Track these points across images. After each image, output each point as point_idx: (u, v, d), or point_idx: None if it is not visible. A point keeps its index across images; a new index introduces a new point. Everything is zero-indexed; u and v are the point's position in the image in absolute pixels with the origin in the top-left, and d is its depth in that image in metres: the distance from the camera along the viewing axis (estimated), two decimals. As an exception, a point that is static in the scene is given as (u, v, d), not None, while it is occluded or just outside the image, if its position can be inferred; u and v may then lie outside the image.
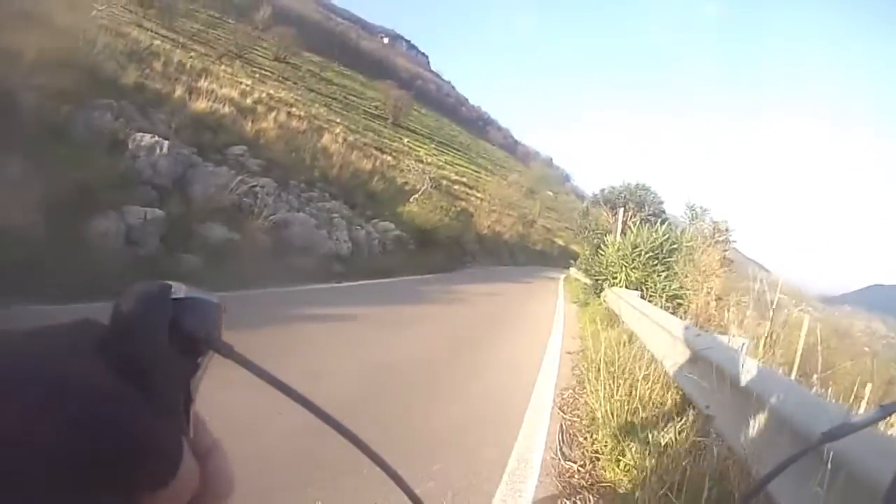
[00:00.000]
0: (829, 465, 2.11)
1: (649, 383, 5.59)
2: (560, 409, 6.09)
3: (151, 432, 0.50)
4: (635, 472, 3.74)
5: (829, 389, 4.23)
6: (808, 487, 2.20)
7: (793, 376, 4.11)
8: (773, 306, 5.44)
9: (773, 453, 2.89)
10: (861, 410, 3.94)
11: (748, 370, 3.61)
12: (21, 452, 0.42)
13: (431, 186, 37.07)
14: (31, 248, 7.25)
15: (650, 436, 3.21)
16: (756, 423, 3.28)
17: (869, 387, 4.39)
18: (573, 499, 3.85)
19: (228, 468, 0.67)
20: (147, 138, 12.63)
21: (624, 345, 7.83)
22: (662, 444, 3.61)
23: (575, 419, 5.72)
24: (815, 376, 4.31)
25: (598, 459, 4.52)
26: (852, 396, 4.32)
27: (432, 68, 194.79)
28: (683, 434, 3.98)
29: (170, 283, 0.57)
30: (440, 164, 64.71)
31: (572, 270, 35.88)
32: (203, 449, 0.62)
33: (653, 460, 3.40)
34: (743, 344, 5.06)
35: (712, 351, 4.63)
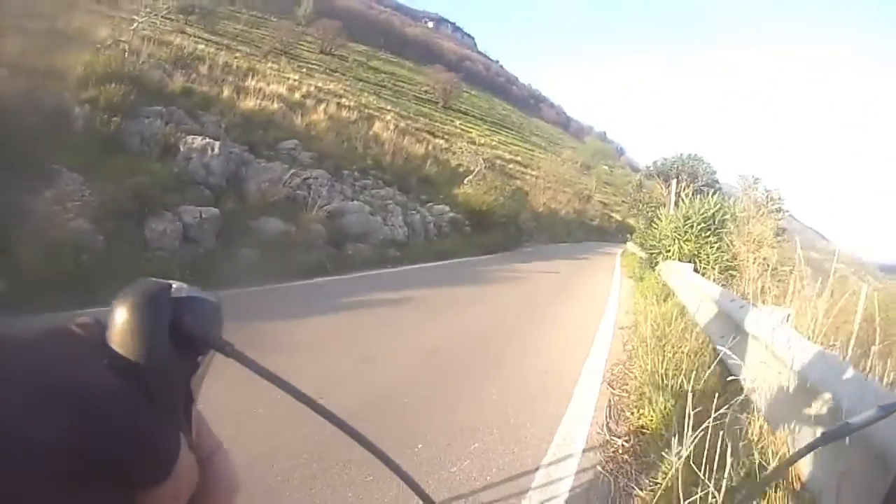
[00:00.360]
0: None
1: (696, 356, 5.58)
2: (609, 384, 6.11)
3: (148, 430, 0.56)
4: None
5: (889, 361, 4.15)
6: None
7: (850, 348, 4.04)
8: (832, 276, 5.35)
9: (804, 428, 2.90)
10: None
11: (788, 343, 3.60)
12: (21, 449, 0.46)
13: (485, 167, 36.84)
14: (93, 256, 7.54)
15: (689, 411, 3.22)
16: (792, 398, 3.29)
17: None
18: (616, 474, 3.90)
19: (232, 469, 0.74)
20: (198, 140, 12.93)
21: (676, 319, 7.79)
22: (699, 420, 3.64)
23: (623, 394, 5.73)
24: (872, 348, 4.22)
25: (644, 434, 4.55)
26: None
27: (479, 49, 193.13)
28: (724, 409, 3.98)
29: (170, 282, 0.63)
30: (493, 144, 64.20)
31: (629, 245, 35.40)
32: (206, 450, 0.69)
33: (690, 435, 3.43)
34: (788, 315, 5.00)
35: (754, 323, 4.63)
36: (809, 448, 0.90)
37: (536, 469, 3.96)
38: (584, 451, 4.38)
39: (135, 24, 19.73)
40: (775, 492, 2.93)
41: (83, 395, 0.50)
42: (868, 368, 3.90)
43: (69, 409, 0.48)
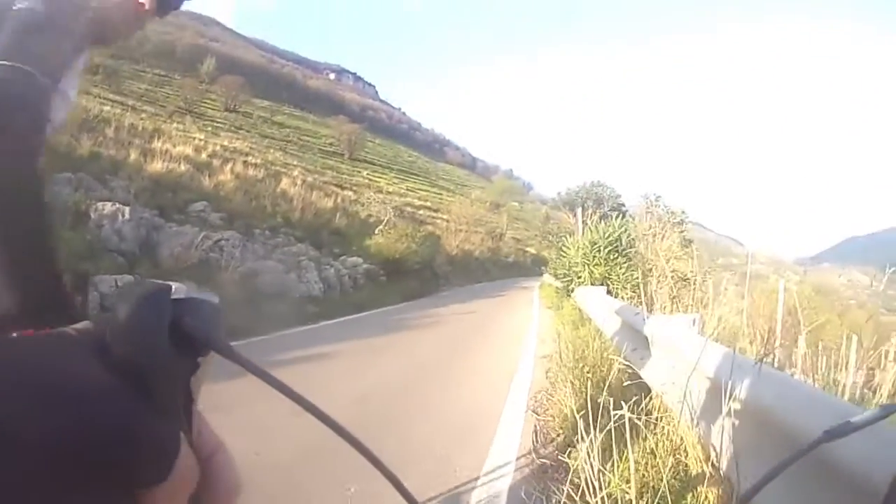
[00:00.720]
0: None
1: (608, 370, 5.79)
2: (534, 411, 6.31)
3: (147, 430, 0.56)
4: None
5: (820, 346, 4.38)
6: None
7: (777, 342, 4.29)
8: (748, 277, 5.63)
9: (718, 424, 3.11)
10: (851, 363, 4.14)
11: (691, 344, 3.83)
12: (18, 450, 0.46)
13: (395, 215, 36.86)
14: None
15: (590, 417, 3.44)
16: (701, 396, 3.52)
17: (855, 338, 4.52)
18: (547, 493, 4.04)
19: (233, 469, 0.76)
20: (108, 206, 12.73)
21: (593, 339, 8.00)
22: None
23: (549, 418, 5.92)
24: (799, 338, 4.45)
25: (569, 453, 4.75)
26: (842, 348, 4.46)
27: (381, 97, 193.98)
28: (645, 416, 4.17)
29: (170, 283, 0.64)
30: (402, 191, 64.12)
31: (545, 277, 35.74)
32: (207, 450, 0.74)
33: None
34: (694, 320, 5.25)
35: (658, 331, 4.90)
36: (810, 448, 0.90)
37: (470, 494, 4.15)
38: (513, 473, 4.58)
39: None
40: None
41: (79, 395, 0.51)
42: (791, 359, 4.21)
43: (65, 408, 0.49)
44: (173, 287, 0.62)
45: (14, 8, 1.30)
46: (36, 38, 1.27)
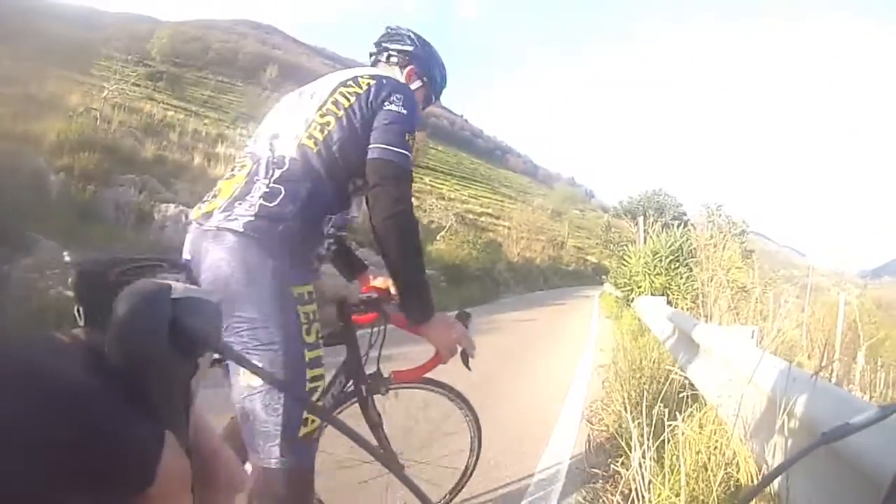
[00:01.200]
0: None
1: (669, 384, 5.68)
2: (588, 420, 6.22)
3: (123, 435, 0.56)
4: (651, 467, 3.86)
5: (879, 361, 4.24)
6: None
7: (836, 356, 4.17)
8: (808, 291, 5.49)
9: (772, 441, 3.01)
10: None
11: (748, 357, 3.72)
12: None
13: (456, 222, 37.01)
14: (73, 324, 7.46)
15: (645, 426, 3.37)
16: (756, 411, 3.41)
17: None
18: (596, 502, 4.02)
19: (235, 467, 0.74)
20: (172, 208, 13.05)
21: (651, 350, 7.90)
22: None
23: (603, 428, 5.84)
24: (858, 353, 4.34)
25: (621, 462, 4.66)
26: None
27: (443, 104, 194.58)
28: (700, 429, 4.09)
29: (170, 283, 0.63)
30: (463, 198, 64.50)
31: (606, 286, 35.50)
32: (207, 449, 0.72)
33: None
34: (753, 332, 5.12)
35: (713, 343, 4.79)
36: (808, 450, 0.92)
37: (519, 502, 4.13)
38: (564, 481, 4.55)
39: (105, 92, 19.88)
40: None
41: (62, 401, 0.51)
42: (849, 375, 4.07)
43: (40, 412, 0.49)
44: (173, 287, 0.62)
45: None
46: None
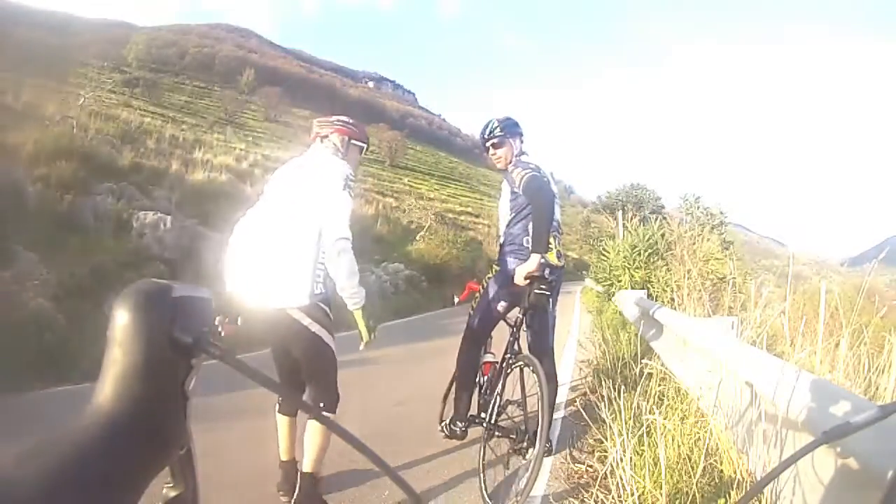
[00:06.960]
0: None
1: (650, 378, 5.73)
2: (571, 416, 6.29)
3: None
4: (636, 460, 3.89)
5: (862, 347, 4.29)
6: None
7: (819, 343, 4.21)
8: (790, 279, 5.54)
9: (752, 430, 3.06)
10: (893, 366, 4.02)
11: (727, 348, 3.77)
12: None
13: (436, 221, 36.93)
14: (54, 335, 7.47)
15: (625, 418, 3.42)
16: (737, 400, 3.46)
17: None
18: (581, 497, 4.05)
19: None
20: (150, 215, 12.92)
21: (630, 345, 7.95)
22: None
23: (585, 423, 5.87)
24: (841, 340, 4.38)
25: (605, 459, 4.70)
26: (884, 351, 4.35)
27: (421, 104, 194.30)
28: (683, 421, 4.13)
29: (169, 283, 0.62)
30: (443, 197, 64.39)
31: (587, 281, 35.53)
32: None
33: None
34: (732, 323, 5.18)
35: (692, 335, 4.84)
36: (808, 449, 0.90)
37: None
38: (548, 476, 4.61)
39: (81, 100, 19.75)
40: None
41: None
42: (832, 361, 4.12)
43: None
44: (173, 287, 0.61)
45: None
46: None
